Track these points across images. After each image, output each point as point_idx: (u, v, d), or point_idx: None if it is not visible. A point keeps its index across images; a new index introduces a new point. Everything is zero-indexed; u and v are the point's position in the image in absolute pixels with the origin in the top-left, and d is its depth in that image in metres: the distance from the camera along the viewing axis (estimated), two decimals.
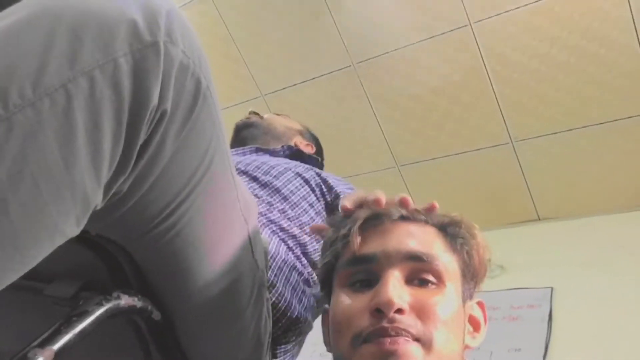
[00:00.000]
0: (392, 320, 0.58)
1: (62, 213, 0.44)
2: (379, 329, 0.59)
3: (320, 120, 2.59)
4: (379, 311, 0.59)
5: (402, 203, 0.69)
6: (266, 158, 1.14)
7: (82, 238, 0.58)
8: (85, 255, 0.60)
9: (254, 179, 1.01)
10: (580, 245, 2.34)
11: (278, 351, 0.85)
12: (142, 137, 0.47)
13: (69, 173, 0.42)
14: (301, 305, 0.88)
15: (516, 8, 2.17)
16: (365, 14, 2.40)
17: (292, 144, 1.33)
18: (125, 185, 0.50)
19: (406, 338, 0.58)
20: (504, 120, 2.40)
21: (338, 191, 1.07)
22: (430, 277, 0.62)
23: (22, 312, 0.74)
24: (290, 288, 0.87)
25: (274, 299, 0.82)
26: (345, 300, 0.64)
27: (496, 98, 2.36)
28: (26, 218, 0.41)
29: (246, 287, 0.70)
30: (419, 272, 0.63)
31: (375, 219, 0.66)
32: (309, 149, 1.37)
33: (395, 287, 0.60)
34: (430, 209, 0.69)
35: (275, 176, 1.02)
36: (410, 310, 0.60)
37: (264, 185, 1.00)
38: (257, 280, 0.72)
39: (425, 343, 0.59)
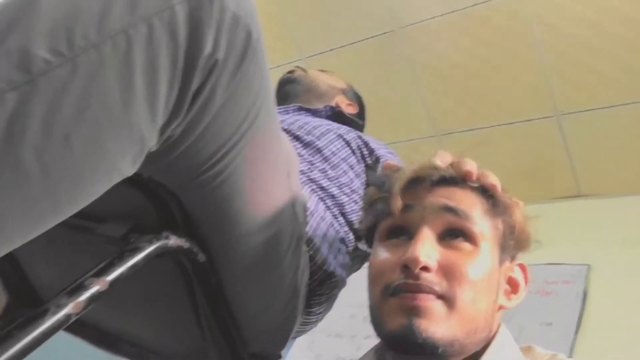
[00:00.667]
0: (417, 277, 0.60)
1: (120, 152, 0.46)
2: (403, 284, 0.61)
3: (360, 85, 2.56)
4: (406, 267, 0.61)
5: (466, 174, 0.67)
6: (308, 118, 1.15)
7: (135, 181, 0.61)
8: (137, 198, 0.63)
9: (297, 138, 1.03)
10: (621, 224, 2.29)
11: (312, 302, 0.89)
12: (195, 84, 0.49)
13: (128, 113, 0.45)
14: (336, 261, 0.90)
15: None
16: None
17: (334, 104, 1.33)
18: (178, 130, 0.52)
19: (429, 295, 0.60)
20: (551, 92, 2.35)
21: (379, 155, 1.07)
22: (464, 237, 0.63)
23: (73, 251, 0.79)
24: (327, 244, 0.89)
25: (311, 252, 0.85)
26: (381, 254, 0.66)
27: (543, 69, 2.30)
28: (87, 154, 0.44)
29: (285, 237, 0.72)
30: (454, 228, 0.63)
31: (416, 180, 0.67)
32: (351, 109, 1.36)
33: (425, 246, 0.61)
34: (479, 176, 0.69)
35: (317, 136, 1.03)
36: (438, 269, 0.61)
37: (306, 144, 1.01)
38: (296, 232, 0.75)
39: (448, 300, 0.60)
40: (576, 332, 1.95)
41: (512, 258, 0.69)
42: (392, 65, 2.55)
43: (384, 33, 2.49)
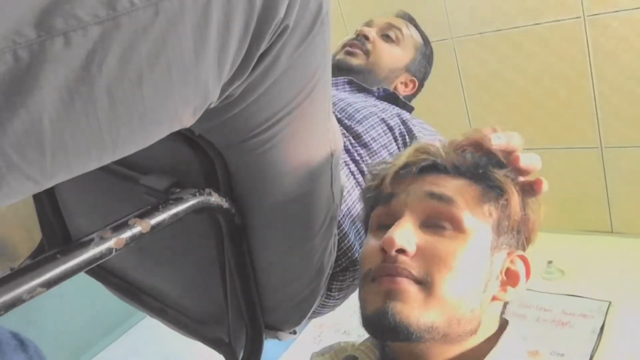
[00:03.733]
0: (394, 260, 0.60)
1: (184, 100, 0.48)
2: (380, 267, 0.61)
3: None
4: (384, 250, 0.61)
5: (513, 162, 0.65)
6: (354, 98, 1.10)
7: (186, 137, 0.63)
8: (184, 154, 0.65)
9: (337, 121, 0.99)
10: None
11: (334, 286, 0.90)
12: (264, 46, 0.51)
13: (197, 64, 0.47)
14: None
15: (634, 9, 2.05)
16: None
17: (392, 87, 1.27)
18: (238, 90, 0.54)
19: (406, 278, 0.59)
20: (598, 122, 2.31)
21: None
22: (448, 223, 0.62)
23: (112, 199, 0.81)
24: (355, 231, 0.90)
25: (338, 237, 0.86)
26: (367, 241, 0.67)
27: (595, 98, 2.27)
28: (155, 96, 0.46)
29: (320, 214, 0.74)
30: (437, 215, 0.62)
31: (404, 168, 0.66)
32: (409, 88, 1.30)
33: (404, 229, 0.60)
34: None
35: (358, 120, 1.00)
36: (417, 253, 0.60)
37: (346, 129, 0.99)
38: (331, 211, 0.76)
39: (426, 286, 0.59)
40: None
41: (511, 248, 0.65)
42: (442, 74, 2.54)
43: (438, 40, 2.48)
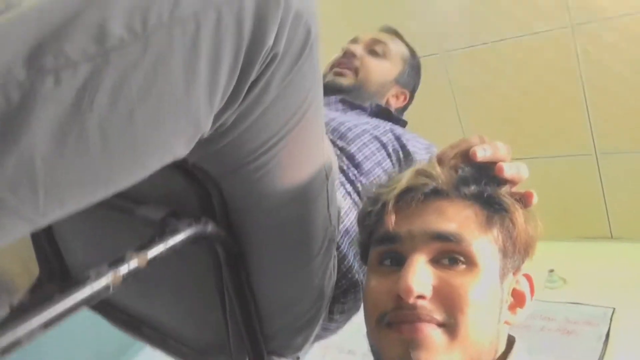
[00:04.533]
0: (413, 307, 0.57)
1: (176, 132, 0.48)
2: (400, 315, 0.58)
3: None
4: (400, 298, 0.57)
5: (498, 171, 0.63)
6: (346, 117, 1.09)
7: (180, 166, 0.63)
8: (179, 183, 0.65)
9: (330, 142, 0.97)
10: None
11: (335, 309, 0.89)
12: (253, 75, 0.51)
13: (188, 96, 0.47)
14: (362, 270, 0.90)
15: (621, 15, 2.07)
16: (463, 2, 2.36)
17: (384, 101, 1.27)
18: (231, 119, 0.54)
19: (429, 324, 0.56)
20: (591, 129, 2.32)
21: (415, 159, 1.02)
22: (460, 257, 0.59)
23: (109, 232, 0.81)
24: (354, 251, 0.90)
25: (337, 259, 0.85)
26: (373, 281, 0.63)
27: (586, 106, 2.28)
28: (147, 130, 0.46)
29: (318, 238, 0.73)
30: (447, 252, 0.59)
31: (406, 194, 0.63)
32: (401, 100, 1.30)
33: (417, 273, 0.57)
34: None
35: (351, 140, 0.99)
36: (434, 294, 0.57)
37: (339, 149, 0.98)
38: (328, 234, 0.75)
39: (450, 329, 0.57)
40: None
41: (515, 270, 0.64)
42: (433, 88, 2.55)
43: (428, 55, 2.50)
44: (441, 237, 0.59)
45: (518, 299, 0.65)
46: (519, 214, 0.62)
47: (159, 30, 0.44)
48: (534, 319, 2.22)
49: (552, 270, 2.39)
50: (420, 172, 0.64)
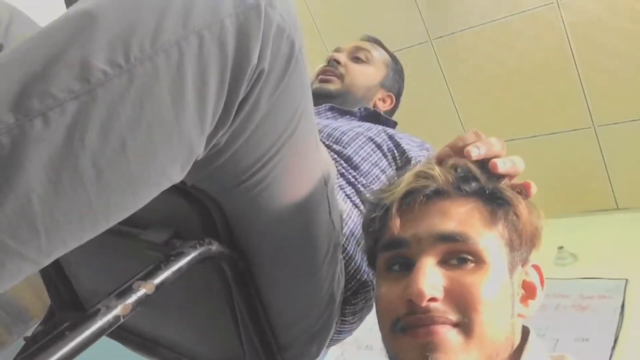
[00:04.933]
0: (426, 310, 0.57)
1: (170, 159, 0.48)
2: (415, 319, 0.57)
3: None
4: (412, 302, 0.57)
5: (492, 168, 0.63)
6: (338, 122, 1.11)
7: (179, 189, 0.63)
8: (180, 205, 0.65)
9: (326, 147, 1.00)
10: None
11: (347, 311, 0.89)
12: (242, 94, 0.51)
13: (178, 123, 0.47)
14: (370, 270, 0.90)
15: None
16: None
17: (372, 105, 1.29)
18: (223, 139, 0.54)
19: (443, 325, 0.56)
20: (587, 103, 2.31)
21: (410, 156, 1.03)
22: (468, 256, 0.59)
23: (115, 258, 0.81)
24: (361, 252, 0.90)
25: (344, 260, 0.85)
26: (383, 287, 0.63)
27: (580, 80, 2.28)
28: (140, 160, 0.46)
29: (323, 245, 0.73)
30: (455, 252, 0.59)
31: (408, 197, 0.63)
32: (388, 104, 1.33)
33: (427, 276, 0.57)
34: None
35: (346, 143, 1.00)
36: (446, 295, 0.57)
37: (336, 153, 1.00)
38: (333, 239, 0.76)
39: (465, 328, 0.56)
40: (613, 347, 1.90)
41: (524, 262, 0.64)
42: (427, 76, 2.55)
43: (417, 44, 2.50)
44: (447, 237, 0.59)
45: (529, 291, 0.65)
46: (522, 206, 0.62)
47: (142, 62, 0.44)
48: (548, 298, 2.20)
49: (561, 247, 2.39)
50: (420, 174, 0.64)
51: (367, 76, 1.31)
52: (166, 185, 0.51)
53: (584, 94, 2.30)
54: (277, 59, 0.53)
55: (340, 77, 1.28)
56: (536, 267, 0.66)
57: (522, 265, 0.64)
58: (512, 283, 0.61)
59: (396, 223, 0.62)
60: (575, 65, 2.25)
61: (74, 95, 0.42)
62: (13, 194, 0.40)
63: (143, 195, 0.49)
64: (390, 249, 0.63)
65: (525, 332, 0.66)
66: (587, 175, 2.49)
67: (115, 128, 0.43)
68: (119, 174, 0.45)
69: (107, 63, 0.43)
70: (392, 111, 1.38)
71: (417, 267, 0.58)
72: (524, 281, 0.64)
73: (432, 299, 0.57)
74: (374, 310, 0.94)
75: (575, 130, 2.40)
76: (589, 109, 2.33)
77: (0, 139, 0.40)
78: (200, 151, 0.51)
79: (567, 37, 2.21)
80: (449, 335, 0.56)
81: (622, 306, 2.05)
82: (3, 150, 0.40)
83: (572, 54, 2.23)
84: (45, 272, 0.99)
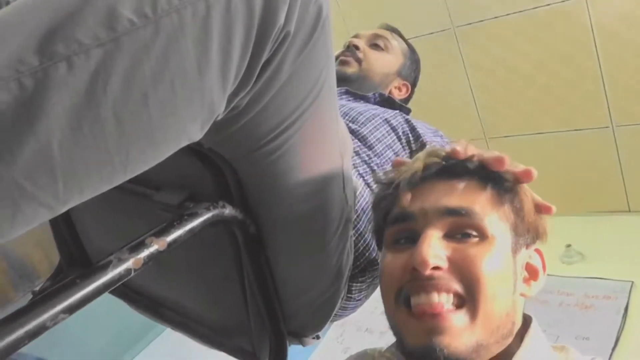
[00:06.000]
0: (430, 278, 0.58)
1: (190, 116, 0.48)
2: (416, 286, 0.59)
3: None
4: (415, 270, 0.58)
5: (453, 154, 0.65)
6: (355, 104, 1.13)
7: (196, 151, 0.63)
8: (195, 167, 0.65)
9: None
10: None
11: (353, 288, 0.89)
12: (266, 55, 0.51)
13: (201, 79, 0.46)
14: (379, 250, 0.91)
15: None
16: None
17: (387, 92, 1.31)
18: (244, 101, 0.54)
19: (447, 295, 0.57)
20: (607, 102, 2.28)
21: (425, 140, 1.04)
22: (472, 231, 0.60)
23: (127, 217, 0.81)
24: (371, 230, 0.90)
25: (354, 238, 0.86)
26: (388, 258, 0.64)
27: (602, 78, 2.24)
28: (161, 114, 0.46)
29: (334, 218, 0.73)
30: (460, 227, 0.60)
31: (415, 175, 0.64)
32: (403, 92, 1.35)
33: (431, 246, 0.58)
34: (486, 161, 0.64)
35: (362, 123, 1.02)
36: (450, 265, 0.58)
37: (351, 132, 1.00)
38: (345, 214, 0.75)
39: (469, 307, 0.58)
40: (613, 348, 1.90)
41: (527, 245, 0.65)
42: (447, 64, 2.53)
43: (441, 31, 2.47)
44: (453, 212, 0.60)
45: (532, 273, 0.65)
46: (526, 196, 0.64)
47: (169, 14, 0.44)
48: (552, 294, 2.21)
49: (569, 245, 2.37)
50: (432, 153, 0.66)
51: (384, 63, 1.33)
52: (185, 142, 0.51)
53: (605, 92, 2.27)
54: (304, 22, 0.53)
55: (359, 61, 1.30)
56: (539, 252, 0.67)
57: (526, 248, 0.65)
58: (514, 262, 0.62)
59: (406, 197, 0.63)
60: (599, 62, 2.21)
61: (99, 42, 0.42)
62: (33, 137, 0.40)
63: (162, 149, 0.49)
64: (397, 223, 0.64)
65: (528, 320, 0.67)
66: (601, 175, 2.47)
67: (138, 79, 0.43)
68: (139, 125, 0.45)
69: (134, 12, 0.42)
70: (406, 100, 1.39)
71: (422, 238, 0.59)
72: (527, 264, 0.65)
73: (436, 268, 0.58)
74: (375, 294, 0.95)
75: (593, 128, 2.37)
76: (608, 108, 2.29)
77: (24, 81, 0.40)
78: (220, 110, 0.51)
79: (593, 33, 2.17)
80: (454, 318, 0.57)
81: (626, 308, 2.05)
82: (26, 92, 0.39)
83: (596, 51, 2.20)
84: (56, 228, 1.00)
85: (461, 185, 0.63)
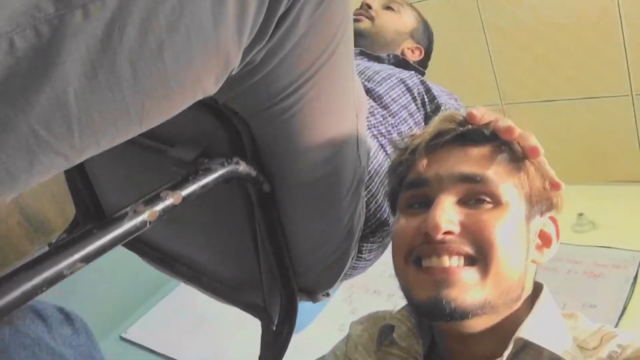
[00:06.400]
0: (441, 242, 0.59)
1: (206, 68, 0.48)
2: (427, 248, 0.60)
3: None
4: (428, 235, 0.59)
5: (470, 117, 0.65)
6: (370, 63, 1.13)
7: (210, 107, 0.63)
8: (209, 124, 0.65)
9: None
10: None
11: (364, 248, 0.90)
12: (282, 8, 0.50)
13: (217, 30, 0.46)
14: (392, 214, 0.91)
15: None
16: None
17: (400, 52, 1.30)
18: (259, 56, 0.53)
19: (459, 259, 0.58)
20: (629, 70, 2.23)
21: (440, 102, 1.04)
22: (486, 197, 0.60)
23: (141, 172, 0.82)
24: (384, 192, 0.90)
25: (366, 199, 0.86)
26: (401, 221, 0.65)
27: (624, 45, 2.18)
28: (177, 64, 0.45)
29: (347, 178, 0.73)
30: (474, 193, 0.61)
31: (432, 140, 0.64)
32: (417, 55, 1.34)
33: (445, 211, 0.59)
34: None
35: (378, 82, 1.01)
36: (462, 230, 0.59)
37: (367, 91, 1.00)
38: (357, 174, 0.76)
39: (481, 265, 0.58)
40: (620, 317, 1.91)
41: (542, 212, 0.65)
42: (464, 27, 2.47)
43: None
44: (468, 178, 0.61)
45: (545, 240, 0.66)
46: (540, 166, 0.64)
47: None
48: (561, 262, 2.22)
49: (581, 214, 2.36)
50: (448, 118, 0.66)
51: (397, 21, 1.33)
52: (200, 95, 0.50)
53: (627, 60, 2.21)
54: None
55: (371, 18, 1.30)
56: (553, 219, 0.67)
57: (541, 216, 0.65)
58: (528, 229, 0.63)
59: (423, 162, 0.64)
60: (622, 28, 2.16)
61: None
62: (50, 85, 0.40)
63: (176, 101, 0.49)
64: (412, 188, 0.65)
65: (539, 287, 0.68)
66: (617, 144, 2.43)
67: (153, 28, 0.43)
68: (154, 75, 0.45)
69: None
70: (420, 64, 1.38)
71: (436, 203, 0.60)
72: (540, 231, 0.65)
73: (448, 232, 0.59)
74: (384, 257, 0.96)
75: (612, 97, 2.33)
76: (629, 76, 2.24)
77: (40, 28, 0.39)
78: (235, 64, 0.50)
79: None
80: (463, 273, 0.58)
81: (635, 277, 2.05)
82: (42, 38, 0.39)
83: (620, 16, 2.14)
84: (72, 182, 1.01)
85: (477, 151, 0.63)
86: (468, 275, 0.58)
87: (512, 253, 0.60)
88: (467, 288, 0.58)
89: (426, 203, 0.62)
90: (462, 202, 0.61)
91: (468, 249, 0.59)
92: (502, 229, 0.59)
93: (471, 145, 0.63)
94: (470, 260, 0.59)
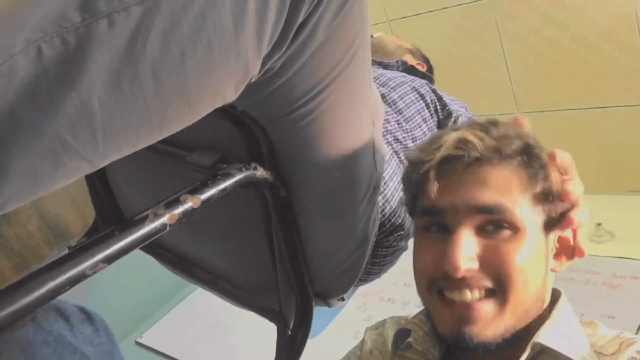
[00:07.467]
0: (462, 279, 0.59)
1: (226, 76, 0.49)
2: (449, 284, 0.61)
3: (444, 53, 2.52)
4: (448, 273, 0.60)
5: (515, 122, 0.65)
6: (382, 70, 1.15)
7: (229, 113, 0.64)
8: (228, 130, 0.66)
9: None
10: None
11: (378, 253, 0.90)
12: (301, 17, 0.51)
13: (237, 40, 0.47)
14: (405, 215, 0.91)
15: None
16: None
17: (404, 60, 1.32)
18: (278, 64, 0.54)
19: (479, 294, 0.59)
20: None
21: (451, 109, 1.05)
22: (504, 223, 0.60)
23: (160, 177, 0.83)
24: (398, 197, 0.91)
25: (380, 203, 0.86)
26: (421, 247, 0.66)
27: None
28: (198, 74, 0.47)
29: (363, 184, 0.74)
30: (492, 221, 0.61)
31: (447, 163, 0.63)
32: (420, 68, 1.36)
33: (463, 248, 0.59)
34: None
35: (392, 87, 1.03)
36: (481, 263, 0.60)
37: (381, 96, 1.00)
38: (373, 180, 0.76)
39: (499, 297, 0.59)
40: (639, 328, 1.88)
41: (561, 218, 0.64)
42: (481, 35, 2.47)
43: (476, 0, 2.41)
44: (484, 210, 0.60)
45: (564, 246, 0.66)
46: (554, 171, 0.63)
47: None
48: (579, 273, 2.20)
49: (599, 224, 2.34)
50: (461, 140, 0.63)
51: (394, 39, 1.41)
52: (219, 102, 0.52)
53: None
54: None
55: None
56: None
57: (559, 225, 0.64)
58: (547, 241, 0.63)
59: (433, 188, 0.63)
60: None
61: (139, 0, 0.42)
62: (75, 92, 0.41)
63: (197, 109, 0.50)
64: (427, 216, 0.65)
65: (557, 293, 0.68)
66: (635, 153, 2.41)
67: (176, 37, 0.44)
68: (176, 84, 0.46)
69: None
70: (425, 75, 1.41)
71: (454, 240, 0.60)
72: (559, 237, 0.66)
73: (468, 269, 0.59)
74: (398, 265, 0.97)
75: (629, 105, 2.31)
76: None
77: (67, 37, 0.41)
78: (255, 72, 0.52)
79: (635, 5, 2.09)
80: (484, 308, 0.59)
81: None
82: (69, 47, 0.41)
83: (638, 25, 2.12)
84: (92, 186, 1.03)
85: (493, 172, 0.61)
86: (488, 309, 0.60)
87: (531, 276, 0.60)
88: (488, 323, 0.59)
89: (443, 227, 0.63)
90: (480, 229, 0.61)
91: (487, 284, 0.60)
92: (520, 259, 0.59)
93: (487, 166, 0.62)
94: (489, 292, 0.60)
